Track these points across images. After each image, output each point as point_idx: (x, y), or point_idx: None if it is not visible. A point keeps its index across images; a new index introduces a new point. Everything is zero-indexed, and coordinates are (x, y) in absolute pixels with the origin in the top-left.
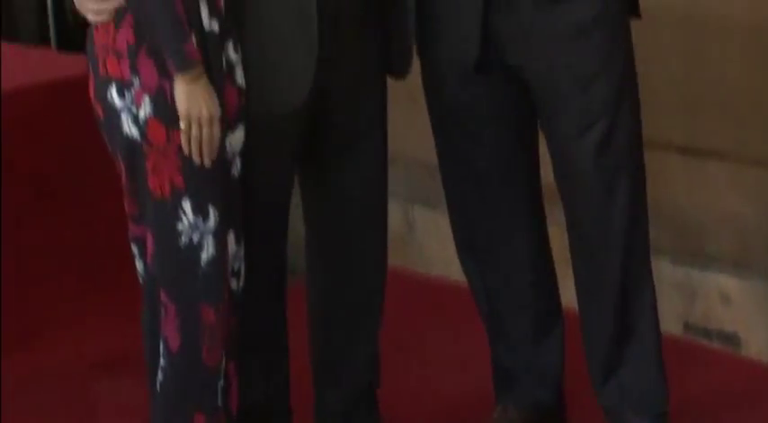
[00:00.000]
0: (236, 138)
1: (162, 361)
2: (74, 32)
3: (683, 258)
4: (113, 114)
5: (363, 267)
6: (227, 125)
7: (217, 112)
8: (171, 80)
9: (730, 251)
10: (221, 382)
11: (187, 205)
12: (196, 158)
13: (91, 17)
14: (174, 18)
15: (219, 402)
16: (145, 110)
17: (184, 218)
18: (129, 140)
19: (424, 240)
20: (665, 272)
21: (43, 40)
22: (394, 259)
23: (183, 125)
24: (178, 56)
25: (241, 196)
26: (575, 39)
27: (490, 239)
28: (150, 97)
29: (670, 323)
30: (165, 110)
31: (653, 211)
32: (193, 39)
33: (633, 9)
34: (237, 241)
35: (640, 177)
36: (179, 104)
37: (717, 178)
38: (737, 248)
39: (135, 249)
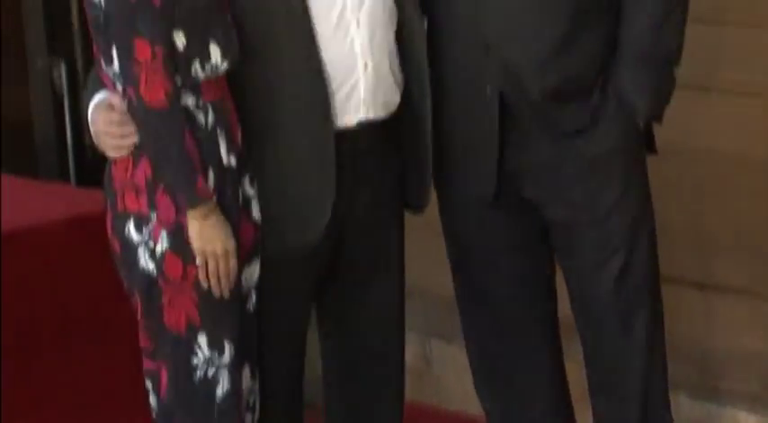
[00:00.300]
0: (252, 272)
1: None
2: (93, 168)
3: (701, 393)
4: (130, 249)
5: (380, 401)
6: (242, 259)
7: (232, 245)
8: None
9: (748, 386)
10: None
11: (203, 340)
12: (215, 292)
13: (110, 152)
14: (184, 155)
15: None
16: (162, 245)
17: (200, 352)
18: (145, 275)
19: (442, 374)
20: (682, 407)
21: (63, 175)
22: (411, 393)
23: (199, 260)
24: (188, 192)
25: (256, 330)
26: (590, 174)
27: (508, 371)
28: (167, 232)
29: None
30: (182, 245)
31: (669, 345)
32: (211, 174)
33: (649, 144)
34: (253, 375)
35: (658, 311)
36: (193, 240)
37: (733, 314)
38: (755, 384)
39: (149, 384)
